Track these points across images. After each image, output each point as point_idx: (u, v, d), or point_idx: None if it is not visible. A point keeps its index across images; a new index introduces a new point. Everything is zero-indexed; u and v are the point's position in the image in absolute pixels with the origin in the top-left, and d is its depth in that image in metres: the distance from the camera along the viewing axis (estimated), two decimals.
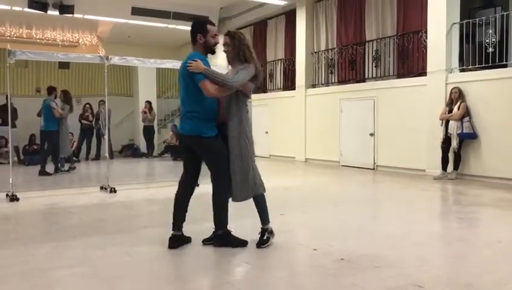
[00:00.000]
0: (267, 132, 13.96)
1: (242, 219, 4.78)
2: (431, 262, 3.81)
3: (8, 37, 14.39)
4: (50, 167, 9.98)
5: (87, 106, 14.10)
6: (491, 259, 3.87)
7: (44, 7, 11.98)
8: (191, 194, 4.16)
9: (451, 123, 8.53)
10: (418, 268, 3.58)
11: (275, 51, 14.54)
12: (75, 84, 15.96)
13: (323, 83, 12.58)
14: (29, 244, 4.31)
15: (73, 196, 7.37)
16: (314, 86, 12.77)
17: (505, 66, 8.52)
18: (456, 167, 8.64)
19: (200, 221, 4.63)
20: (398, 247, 4.17)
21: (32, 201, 6.72)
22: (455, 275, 3.47)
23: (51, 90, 10.18)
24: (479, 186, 7.82)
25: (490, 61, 8.46)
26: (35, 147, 13.07)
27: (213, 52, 4.16)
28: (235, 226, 4.26)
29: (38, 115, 13.40)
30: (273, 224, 4.25)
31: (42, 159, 10.06)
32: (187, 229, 4.15)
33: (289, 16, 13.72)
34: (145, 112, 14.84)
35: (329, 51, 12.37)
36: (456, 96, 8.55)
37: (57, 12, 12.27)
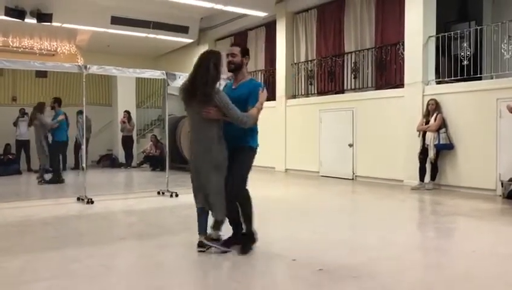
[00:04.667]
0: None
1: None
2: (409, 272, 3.85)
3: None
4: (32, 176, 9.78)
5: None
6: (467, 268, 3.92)
7: (21, 15, 11.80)
8: None
9: (428, 134, 8.67)
10: (396, 278, 3.60)
11: (255, 61, 14.58)
12: (53, 93, 15.68)
13: (303, 93, 12.67)
14: (4, 257, 4.20)
15: (50, 206, 7.21)
16: (294, 96, 12.85)
17: (480, 78, 8.74)
18: (433, 178, 8.77)
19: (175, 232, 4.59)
20: (376, 257, 4.20)
21: (6, 213, 6.56)
22: (432, 285, 3.51)
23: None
24: (455, 196, 7.94)
25: (465, 74, 8.65)
26: (10, 157, 12.81)
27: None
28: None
29: (14, 124, 13.23)
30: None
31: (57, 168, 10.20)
32: (164, 240, 4.10)
33: (269, 27, 13.82)
34: (124, 122, 14.68)
35: (309, 62, 12.49)
36: (433, 108, 8.70)
37: (34, 21, 12.11)
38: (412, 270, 3.94)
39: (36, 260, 4.11)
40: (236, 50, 4.30)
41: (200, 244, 4.17)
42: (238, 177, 4.22)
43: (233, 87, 4.35)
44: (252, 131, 4.33)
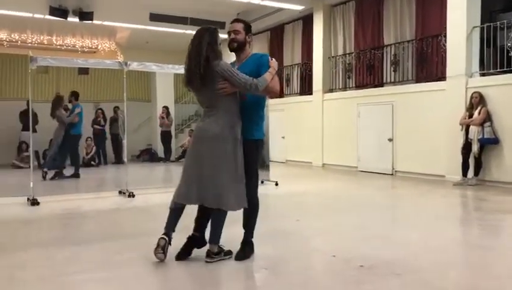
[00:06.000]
0: (283, 137, 13.93)
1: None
2: (453, 270, 3.75)
3: (30, 44, 14.64)
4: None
5: (99, 111, 14.36)
6: None
7: (64, 14, 12.18)
8: None
9: (472, 128, 8.39)
10: (440, 275, 3.51)
11: (291, 55, 14.52)
12: (94, 89, 16.20)
13: (340, 87, 12.51)
14: (50, 248, 4.36)
15: (92, 200, 7.44)
16: (331, 90, 12.71)
17: None
18: (476, 173, 8.48)
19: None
20: (419, 254, 4.11)
21: (52, 205, 6.80)
22: (477, 283, 3.40)
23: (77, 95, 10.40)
24: (500, 192, 7.66)
25: None
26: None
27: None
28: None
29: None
30: (289, 230, 4.20)
31: (77, 162, 10.36)
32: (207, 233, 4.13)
33: (306, 20, 13.70)
34: (162, 117, 14.96)
35: (347, 55, 12.31)
36: (477, 101, 8.41)
37: (77, 19, 12.47)
38: (456, 268, 3.83)
39: (81, 252, 4.24)
40: (239, 26, 3.88)
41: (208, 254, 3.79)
42: (248, 183, 3.84)
43: (236, 67, 3.88)
44: (258, 119, 3.93)
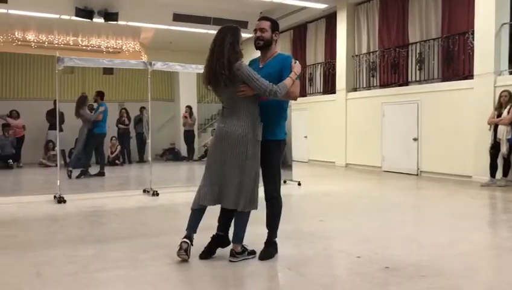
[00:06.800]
0: (306, 136, 13.86)
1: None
2: (481, 273, 3.66)
3: (56, 45, 14.95)
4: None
5: (123, 110, 14.55)
6: None
7: (90, 15, 12.40)
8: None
9: (501, 128, 8.18)
10: (468, 279, 3.43)
11: (314, 54, 14.44)
12: (119, 89, 16.43)
13: (364, 86, 12.38)
14: (76, 246, 4.43)
15: (117, 198, 7.54)
16: (355, 89, 12.59)
17: None
18: (505, 174, 8.27)
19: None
20: (446, 256, 4.02)
21: (79, 203, 6.91)
22: (508, 287, 3.31)
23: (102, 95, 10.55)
24: None
25: None
26: None
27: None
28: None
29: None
30: (312, 230, 4.17)
31: (103, 161, 10.56)
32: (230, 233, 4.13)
33: (329, 19, 13.60)
34: (185, 117, 15.07)
35: (371, 54, 12.17)
36: (506, 100, 8.20)
37: (102, 20, 12.66)
38: (485, 271, 3.73)
39: (107, 249, 4.29)
40: (266, 24, 3.83)
41: (232, 254, 3.80)
42: (270, 182, 3.85)
43: (260, 66, 3.88)
44: (280, 119, 3.91)
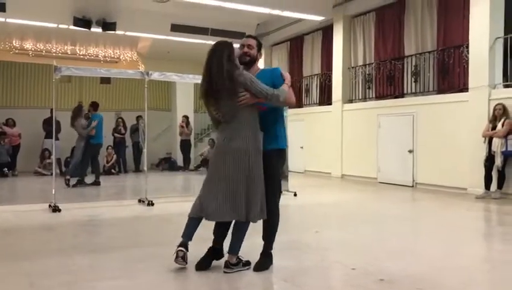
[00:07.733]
0: (302, 147, 13.89)
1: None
2: (476, 286, 3.66)
3: (54, 54, 14.97)
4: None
5: (120, 119, 14.56)
6: None
7: (88, 24, 12.44)
8: None
9: (495, 140, 8.24)
10: None
11: (311, 66, 14.53)
12: (116, 98, 16.45)
13: (360, 98, 12.45)
14: (71, 255, 4.40)
15: (112, 208, 7.51)
16: (351, 101, 12.65)
17: None
18: (500, 186, 8.32)
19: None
20: (441, 269, 4.03)
21: (74, 212, 6.88)
22: None
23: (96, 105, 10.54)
24: None
25: None
26: None
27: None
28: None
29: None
30: (308, 241, 4.17)
31: (97, 170, 10.53)
32: (225, 243, 4.13)
33: (326, 31, 13.70)
34: (182, 126, 15.08)
35: (367, 66, 12.26)
36: (500, 113, 8.28)
37: (100, 30, 12.71)
38: (480, 284, 3.74)
39: (102, 259, 4.27)
40: (253, 42, 3.96)
41: (226, 265, 3.78)
42: (270, 196, 3.83)
43: None
44: (280, 128, 3.97)
